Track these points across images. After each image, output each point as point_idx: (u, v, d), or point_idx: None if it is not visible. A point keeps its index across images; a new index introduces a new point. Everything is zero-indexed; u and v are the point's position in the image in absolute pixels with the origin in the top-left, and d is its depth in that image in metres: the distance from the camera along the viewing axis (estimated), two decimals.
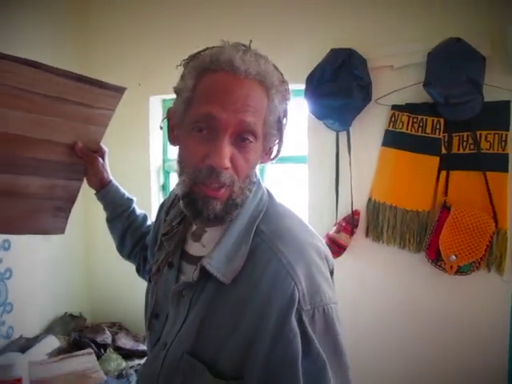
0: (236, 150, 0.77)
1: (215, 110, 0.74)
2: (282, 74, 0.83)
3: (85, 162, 1.15)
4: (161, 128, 0.98)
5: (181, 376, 0.79)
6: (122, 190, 1.23)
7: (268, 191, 0.89)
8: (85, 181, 1.21)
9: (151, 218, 1.24)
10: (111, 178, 1.21)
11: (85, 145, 1.14)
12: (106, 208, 1.23)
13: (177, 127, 0.84)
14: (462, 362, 1.86)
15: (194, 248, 0.88)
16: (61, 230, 1.27)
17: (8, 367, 1.50)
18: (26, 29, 2.06)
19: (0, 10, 1.90)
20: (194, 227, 0.88)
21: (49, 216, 1.21)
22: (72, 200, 1.23)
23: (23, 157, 1.06)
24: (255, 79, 0.76)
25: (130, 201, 1.24)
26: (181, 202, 0.81)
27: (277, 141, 0.86)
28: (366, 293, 1.99)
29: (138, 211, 1.25)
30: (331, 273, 0.85)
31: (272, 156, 0.88)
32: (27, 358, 1.74)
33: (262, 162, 0.87)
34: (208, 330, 0.78)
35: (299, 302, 0.72)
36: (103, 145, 1.19)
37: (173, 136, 0.87)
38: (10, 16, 1.97)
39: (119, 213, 1.21)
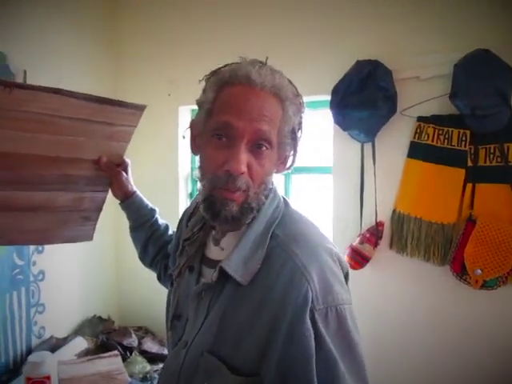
0: (252, 157, 0.81)
1: (232, 119, 0.79)
2: (296, 88, 0.87)
3: (109, 175, 1.21)
4: (183, 137, 1.03)
5: (201, 373, 0.83)
6: (146, 200, 1.28)
7: (284, 199, 0.93)
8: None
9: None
10: (135, 189, 1.26)
11: (109, 159, 1.19)
12: (129, 217, 1.28)
13: (198, 137, 0.89)
14: (486, 377, 1.82)
15: (213, 252, 0.93)
16: (89, 237, 1.35)
17: (39, 365, 1.57)
18: (65, 42, 2.16)
19: (41, 28, 2.00)
20: (214, 232, 0.92)
21: (77, 225, 1.29)
22: (99, 209, 1.30)
23: (52, 175, 1.14)
24: (270, 91, 0.82)
25: (153, 211, 1.28)
26: (201, 206, 0.86)
27: (292, 151, 0.90)
28: (388, 305, 1.97)
29: (161, 221, 1.29)
30: (345, 276, 0.88)
31: (287, 165, 0.92)
32: (57, 357, 1.81)
33: (277, 171, 0.91)
34: (226, 330, 0.82)
35: (312, 301, 0.75)
36: (126, 158, 1.24)
37: (194, 145, 0.93)
38: (52, 31, 2.08)
39: (142, 222, 1.26)
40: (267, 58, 0.87)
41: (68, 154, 1.13)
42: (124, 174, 1.22)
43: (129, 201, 1.24)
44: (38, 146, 1.07)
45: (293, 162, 0.92)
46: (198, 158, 0.91)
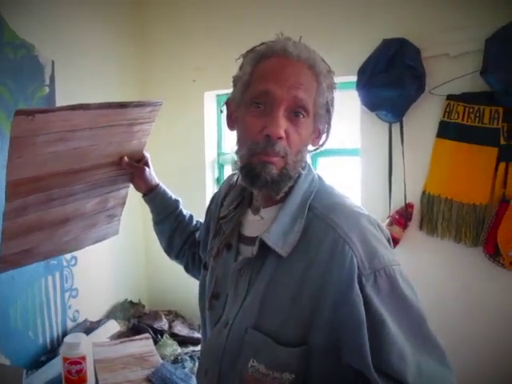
0: (290, 125, 0.83)
1: (271, 86, 0.82)
2: (329, 66, 0.89)
3: (131, 172, 1.25)
4: (221, 112, 1.05)
5: (246, 350, 0.85)
6: (169, 191, 1.29)
7: (319, 175, 0.95)
8: None
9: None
10: (158, 181, 1.27)
11: (130, 157, 1.22)
12: (153, 210, 1.28)
13: (235, 110, 0.92)
14: None
15: (250, 229, 0.94)
16: (116, 232, 1.41)
17: (75, 346, 1.62)
18: (91, 32, 2.19)
19: (67, 18, 2.03)
20: (254, 201, 0.94)
21: (104, 224, 1.34)
22: (122, 204, 1.34)
23: (78, 185, 1.17)
24: (306, 63, 0.84)
25: (177, 201, 1.28)
26: (239, 175, 0.89)
27: (326, 125, 0.92)
28: (419, 287, 1.88)
29: (185, 211, 1.30)
30: (388, 241, 0.88)
31: (321, 141, 0.94)
32: (91, 339, 1.86)
33: (312, 145, 0.93)
34: (270, 304, 0.83)
35: (359, 267, 0.76)
36: (146, 152, 1.28)
37: (230, 121, 0.95)
38: (79, 21, 2.10)
39: (168, 214, 1.26)
40: (301, 37, 0.90)
41: (91, 162, 1.15)
42: (146, 168, 1.25)
43: (152, 194, 1.25)
44: (61, 163, 1.09)
45: (327, 137, 0.94)
46: (232, 138, 0.93)
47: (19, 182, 1.02)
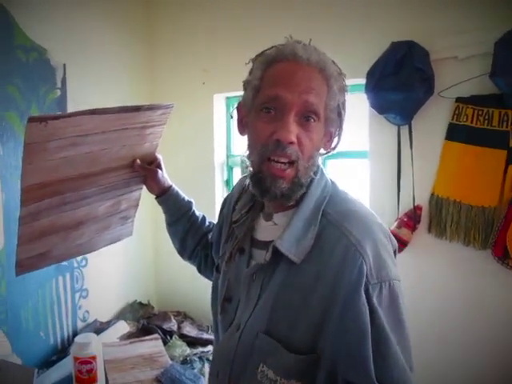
0: (301, 130, 0.83)
1: (281, 91, 0.82)
2: (339, 68, 0.89)
3: (144, 174, 1.26)
4: (231, 117, 1.05)
5: (256, 355, 0.85)
6: (182, 193, 1.29)
7: (331, 180, 0.95)
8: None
9: (215, 212, 1.29)
10: (170, 182, 1.28)
11: (142, 159, 1.23)
12: (166, 212, 1.29)
13: (246, 115, 0.92)
14: None
15: (263, 233, 0.94)
16: (130, 233, 1.42)
17: (85, 345, 1.63)
18: (102, 35, 2.21)
19: (79, 22, 2.05)
20: (266, 208, 0.94)
21: (118, 226, 1.34)
22: (135, 206, 1.35)
23: (90, 189, 1.18)
24: (316, 67, 0.84)
25: (190, 203, 1.29)
26: (250, 182, 0.88)
27: (337, 129, 0.91)
28: (427, 290, 1.94)
29: (197, 212, 1.30)
30: (394, 252, 0.88)
31: (333, 144, 0.93)
32: (101, 339, 1.88)
33: (324, 149, 0.92)
34: (281, 309, 0.84)
35: (367, 276, 0.77)
36: (158, 154, 1.28)
37: (241, 126, 0.96)
38: (90, 25, 2.13)
39: (181, 215, 1.26)
40: (310, 40, 0.89)
41: (103, 166, 1.16)
42: (159, 170, 1.25)
43: (165, 195, 1.26)
44: (73, 168, 1.10)
45: (338, 140, 0.93)
46: (241, 143, 0.92)
47: (33, 187, 1.03)
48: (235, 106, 0.98)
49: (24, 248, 1.11)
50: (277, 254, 0.84)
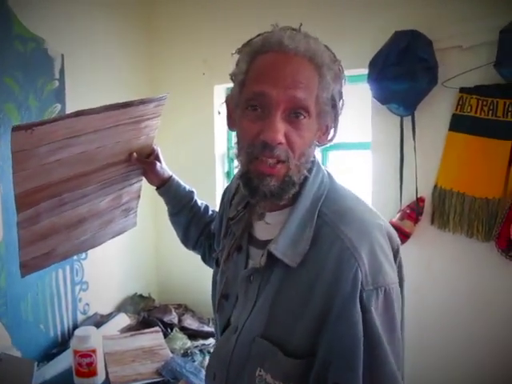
0: (290, 127, 0.77)
1: (266, 88, 0.76)
2: (333, 54, 0.83)
3: (142, 167, 1.25)
4: (219, 113, 1.01)
5: (253, 359, 0.83)
6: (183, 183, 1.28)
7: (328, 174, 0.89)
8: None
9: (216, 204, 1.27)
10: (170, 173, 1.26)
11: (139, 152, 1.22)
12: (168, 202, 1.27)
13: (234, 111, 0.87)
14: None
15: (260, 232, 0.91)
16: (134, 224, 1.41)
17: (85, 339, 1.62)
18: (100, 25, 2.18)
19: (76, 12, 2.02)
20: (258, 208, 0.90)
21: (121, 218, 1.34)
22: (137, 197, 1.34)
23: (89, 186, 1.17)
24: (305, 56, 0.77)
25: (192, 193, 1.27)
26: (240, 182, 0.84)
27: (333, 120, 0.85)
28: (431, 282, 1.93)
29: (200, 202, 1.29)
30: (396, 251, 0.85)
31: (329, 137, 0.88)
32: (101, 332, 1.87)
33: (319, 142, 0.87)
34: (278, 313, 0.81)
35: (362, 283, 0.73)
36: (155, 145, 1.27)
37: (231, 121, 0.90)
38: (88, 15, 2.10)
39: (182, 206, 1.25)
40: (301, 25, 0.83)
41: (99, 164, 1.15)
42: (157, 162, 1.24)
43: (166, 186, 1.25)
44: (68, 169, 1.08)
45: (335, 132, 0.87)
46: (234, 134, 0.88)
47: (27, 193, 1.02)
48: (223, 100, 0.93)
49: (26, 250, 1.10)
50: (272, 258, 0.80)
